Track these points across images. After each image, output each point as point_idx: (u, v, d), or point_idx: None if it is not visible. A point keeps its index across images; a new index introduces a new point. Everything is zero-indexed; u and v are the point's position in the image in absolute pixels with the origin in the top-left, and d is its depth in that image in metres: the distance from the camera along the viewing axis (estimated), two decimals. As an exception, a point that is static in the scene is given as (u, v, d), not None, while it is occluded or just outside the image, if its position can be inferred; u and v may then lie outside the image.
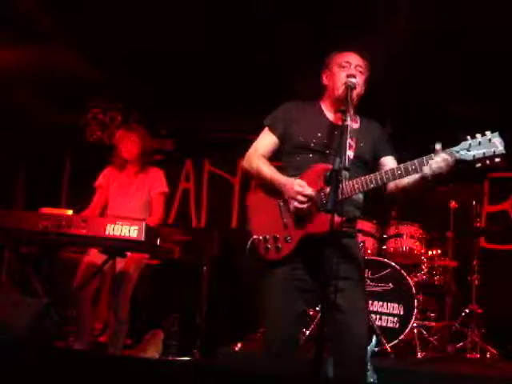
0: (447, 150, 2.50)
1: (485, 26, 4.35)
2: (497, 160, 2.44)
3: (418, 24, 4.33)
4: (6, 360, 2.52)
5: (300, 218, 2.71)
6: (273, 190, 2.80)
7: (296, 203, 2.67)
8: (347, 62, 2.83)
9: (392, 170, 2.59)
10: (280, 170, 2.92)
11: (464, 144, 2.48)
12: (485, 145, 2.45)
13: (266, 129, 2.95)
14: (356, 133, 2.82)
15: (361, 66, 2.85)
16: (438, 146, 2.51)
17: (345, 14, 4.39)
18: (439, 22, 4.39)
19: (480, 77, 4.97)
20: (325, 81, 2.94)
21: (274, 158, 2.97)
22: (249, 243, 2.79)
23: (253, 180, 3.07)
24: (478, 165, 2.47)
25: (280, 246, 2.73)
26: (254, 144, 2.97)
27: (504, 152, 2.42)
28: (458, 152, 2.49)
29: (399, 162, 2.72)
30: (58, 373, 2.48)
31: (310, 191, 2.66)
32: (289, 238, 2.72)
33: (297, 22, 4.56)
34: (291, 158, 2.87)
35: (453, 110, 5.53)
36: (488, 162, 2.45)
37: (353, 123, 2.81)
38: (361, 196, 2.84)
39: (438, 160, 2.48)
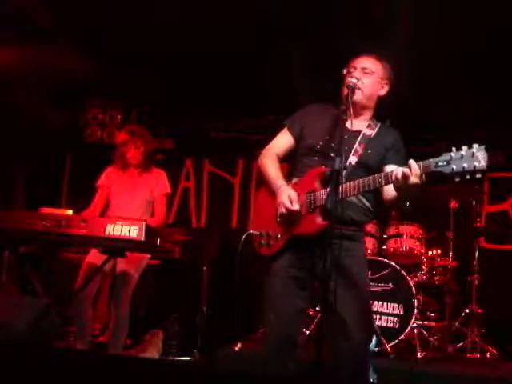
0: (425, 160, 2.40)
1: (480, 26, 4.37)
2: (478, 176, 2.26)
3: (418, 24, 4.34)
4: (6, 360, 2.52)
5: (290, 219, 2.74)
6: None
7: (282, 209, 2.73)
8: (353, 67, 2.88)
9: (374, 177, 2.57)
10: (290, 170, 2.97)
11: (445, 156, 2.33)
12: (467, 159, 2.27)
13: (285, 128, 3.01)
14: (367, 140, 2.84)
15: (367, 68, 2.87)
16: (410, 161, 2.43)
17: (344, 17, 4.40)
18: (438, 22, 4.39)
19: (479, 75, 4.97)
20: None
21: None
22: (243, 236, 2.86)
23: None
24: (457, 179, 2.31)
25: (271, 243, 2.81)
26: (271, 142, 3.03)
27: (485, 168, 2.24)
28: (436, 164, 2.35)
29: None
30: (58, 373, 2.47)
31: (296, 207, 2.69)
32: (279, 236, 2.79)
33: (299, 23, 4.56)
34: (299, 160, 2.92)
35: (452, 108, 5.52)
36: (468, 176, 2.28)
37: (368, 130, 2.87)
38: (364, 200, 2.84)
39: (405, 171, 2.42)
